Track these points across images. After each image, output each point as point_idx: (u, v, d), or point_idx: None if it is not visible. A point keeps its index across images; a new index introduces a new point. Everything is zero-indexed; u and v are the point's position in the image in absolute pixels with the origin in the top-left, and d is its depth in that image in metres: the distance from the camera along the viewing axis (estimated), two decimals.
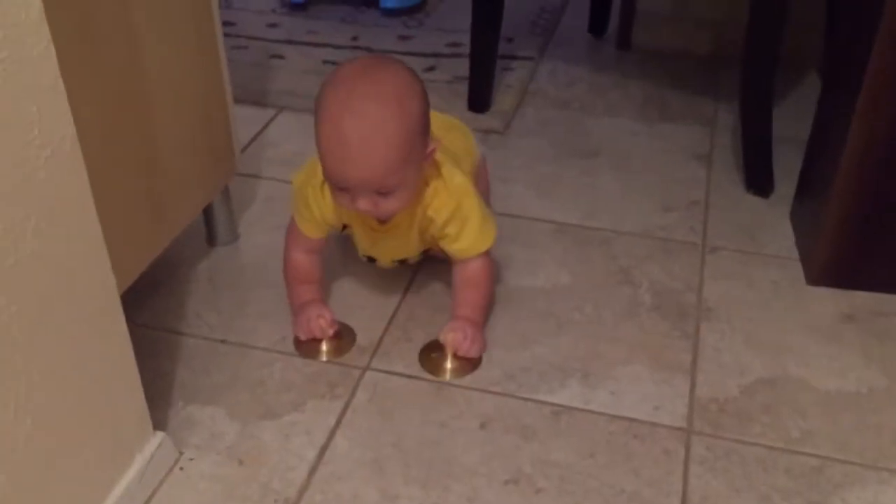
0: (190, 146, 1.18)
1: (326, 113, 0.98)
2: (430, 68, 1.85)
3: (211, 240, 1.34)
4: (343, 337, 1.16)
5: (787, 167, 1.45)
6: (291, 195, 1.13)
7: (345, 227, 1.17)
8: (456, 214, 1.09)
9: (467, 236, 1.10)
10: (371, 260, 1.22)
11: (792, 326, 1.19)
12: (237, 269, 1.31)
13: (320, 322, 1.13)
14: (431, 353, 1.14)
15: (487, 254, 1.14)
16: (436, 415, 1.05)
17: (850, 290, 1.24)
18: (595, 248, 1.35)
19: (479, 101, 1.70)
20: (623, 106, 1.75)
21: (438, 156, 1.08)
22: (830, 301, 1.24)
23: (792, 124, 1.53)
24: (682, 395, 1.09)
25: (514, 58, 1.88)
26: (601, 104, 1.75)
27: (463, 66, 1.75)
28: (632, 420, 1.05)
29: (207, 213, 1.32)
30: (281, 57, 1.89)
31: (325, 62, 1.87)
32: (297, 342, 1.15)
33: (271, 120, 1.68)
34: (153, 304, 1.22)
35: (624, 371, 1.12)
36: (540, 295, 1.25)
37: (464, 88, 1.72)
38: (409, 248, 1.17)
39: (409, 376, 1.11)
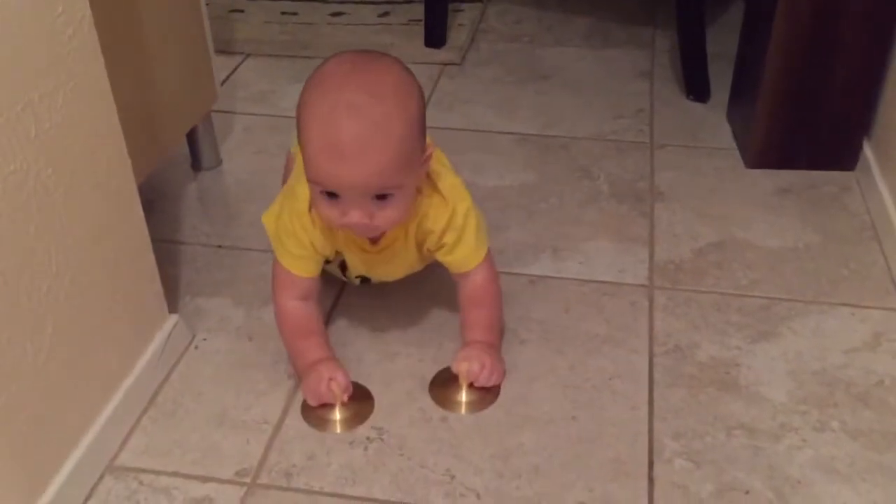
0: (177, 69, 1.26)
1: (315, 110, 0.86)
2: (385, 13, 1.96)
3: (196, 165, 1.42)
4: (359, 399, 1.00)
5: (721, 80, 1.58)
6: (270, 236, 1.01)
7: (341, 269, 1.06)
8: (453, 221, 0.98)
9: (466, 244, 1.00)
10: (363, 280, 1.09)
11: (735, 201, 1.33)
12: (224, 188, 1.40)
13: (332, 386, 0.97)
14: (444, 386, 1.02)
15: (489, 262, 1.03)
16: (424, 289, 1.16)
17: (784, 170, 1.39)
18: (555, 152, 1.47)
19: (434, 38, 1.80)
20: (569, 37, 1.87)
21: (431, 162, 0.97)
22: (768, 179, 1.38)
23: (724, 42, 1.67)
24: (642, 260, 1.21)
25: (463, 0, 2.00)
26: (549, 37, 1.87)
27: (417, 10, 1.86)
28: (600, 282, 1.17)
29: (192, 139, 1.40)
30: (241, 11, 1.98)
31: (283, 13, 1.96)
32: (306, 408, 0.99)
33: (239, 65, 1.76)
34: (149, 219, 1.27)
35: (589, 245, 1.24)
36: (509, 192, 1.36)
37: (419, 29, 1.82)
38: (410, 266, 1.05)
39: None
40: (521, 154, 1.46)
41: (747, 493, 0.88)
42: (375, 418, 0.98)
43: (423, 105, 0.91)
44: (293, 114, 0.91)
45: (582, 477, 0.90)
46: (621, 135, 1.51)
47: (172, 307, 1.09)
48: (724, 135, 1.50)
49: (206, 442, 0.96)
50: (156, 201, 1.34)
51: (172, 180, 1.40)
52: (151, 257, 1.01)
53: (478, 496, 0.88)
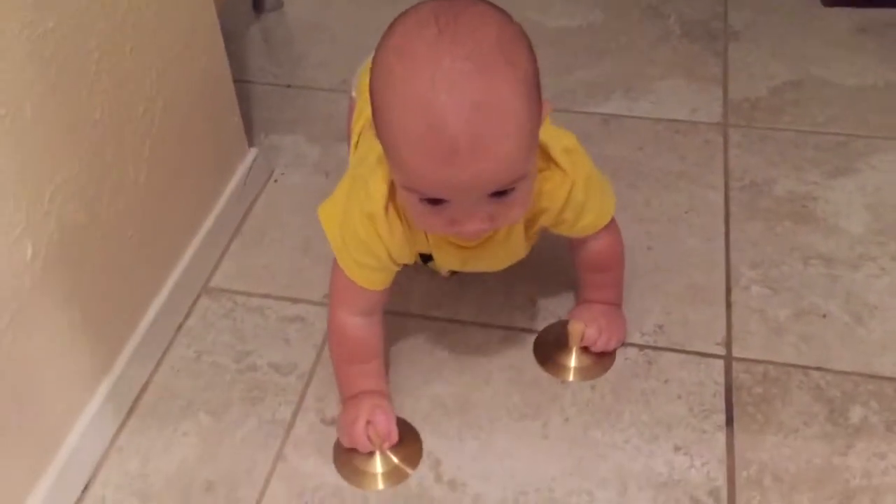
0: None
1: (402, 92, 0.62)
2: None
3: (258, 6, 1.40)
4: (405, 443, 0.81)
5: None
6: (330, 239, 0.78)
7: (423, 257, 0.82)
8: (572, 196, 0.76)
9: (589, 212, 0.79)
10: (426, 260, 0.83)
11: (812, 40, 1.29)
12: (287, 29, 1.38)
13: (368, 432, 0.78)
14: (552, 347, 0.89)
15: (614, 224, 0.85)
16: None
17: (863, 8, 1.34)
18: None
19: None
20: None
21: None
22: (846, 18, 1.33)
23: None
24: (717, 98, 1.20)
25: None
26: None
27: None
28: (673, 121, 1.16)
29: None
30: None
31: None
32: (339, 449, 0.81)
33: None
34: None
35: (662, 84, 1.23)
36: (577, 32, 1.34)
37: None
38: (515, 255, 0.82)
39: None
40: None
41: (824, 316, 0.90)
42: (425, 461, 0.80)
43: (533, 53, 0.66)
44: None
45: (660, 302, 0.93)
46: None
47: (250, 142, 1.11)
48: None
49: (293, 268, 0.99)
50: None
51: (236, 22, 1.39)
52: (231, 87, 1.02)
53: (558, 317, 0.92)
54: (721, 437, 0.80)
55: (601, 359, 0.88)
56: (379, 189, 0.72)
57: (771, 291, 0.93)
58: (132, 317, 0.86)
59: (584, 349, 0.87)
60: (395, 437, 0.79)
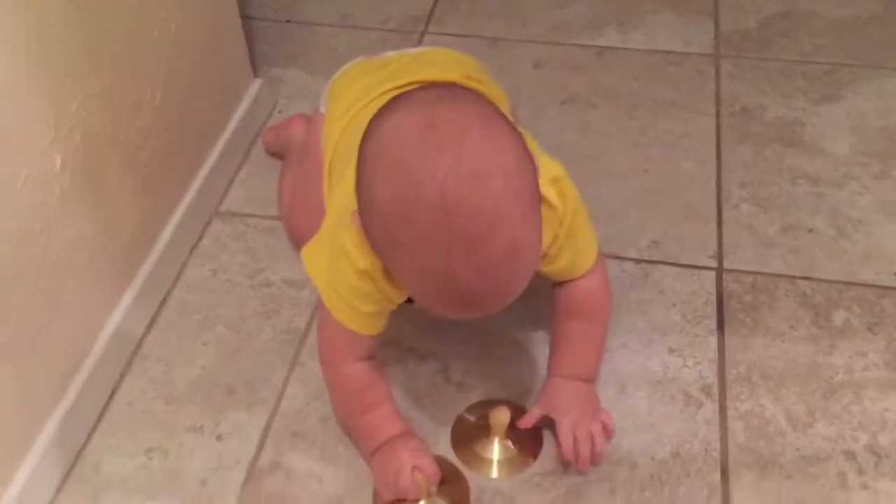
0: None
1: (414, 246, 0.58)
2: None
3: None
4: (450, 485, 0.76)
5: None
6: (319, 289, 0.73)
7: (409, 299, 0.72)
8: (563, 227, 0.70)
9: (574, 245, 0.73)
10: (410, 301, 0.72)
11: None
12: None
13: (417, 478, 0.72)
14: (470, 432, 0.79)
15: (602, 263, 0.77)
16: (490, 61, 1.18)
17: None
18: None
19: None
20: None
21: None
22: None
23: None
24: (707, 31, 1.23)
25: None
26: None
27: None
28: (666, 52, 1.20)
29: None
30: None
31: None
32: (380, 502, 0.75)
33: None
34: None
35: (654, 18, 1.26)
36: None
37: None
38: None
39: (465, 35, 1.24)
40: None
41: (810, 231, 0.95)
42: None
43: (532, 158, 0.61)
44: None
45: (655, 221, 0.97)
46: None
47: (254, 73, 1.13)
48: None
49: None
50: None
51: None
52: (237, 18, 1.04)
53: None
54: (713, 340, 0.85)
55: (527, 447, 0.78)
56: (357, 254, 0.66)
57: (760, 209, 0.98)
58: (150, 235, 0.89)
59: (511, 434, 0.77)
60: (440, 475, 0.73)
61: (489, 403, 0.79)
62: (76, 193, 0.75)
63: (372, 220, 0.60)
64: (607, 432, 0.74)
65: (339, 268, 0.69)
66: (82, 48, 0.74)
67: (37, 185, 0.70)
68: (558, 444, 0.74)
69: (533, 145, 0.64)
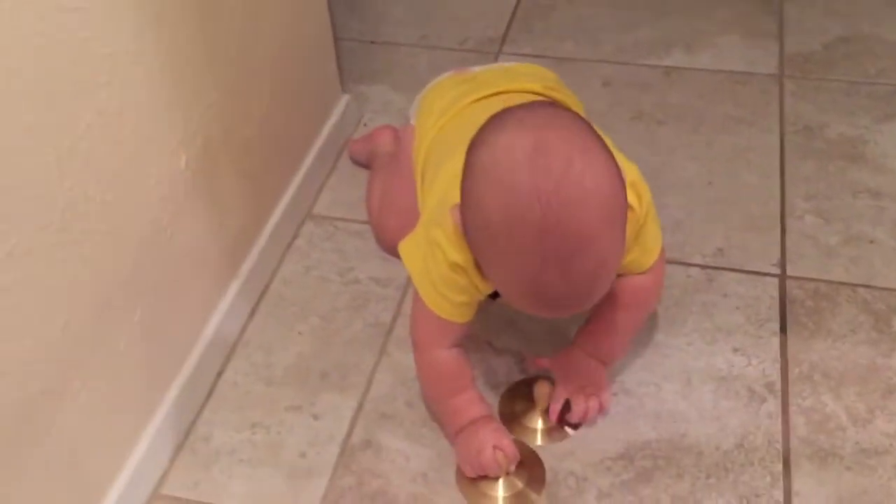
0: None
1: (513, 255, 0.65)
2: None
3: None
4: (527, 467, 0.82)
5: None
6: (413, 277, 0.79)
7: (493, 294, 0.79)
8: (644, 230, 0.77)
9: (640, 244, 0.78)
10: (494, 296, 0.79)
11: None
12: None
13: (497, 456, 0.79)
14: (516, 404, 0.87)
15: (661, 261, 0.82)
16: (562, 79, 1.25)
17: None
18: None
19: None
20: None
21: None
22: None
23: None
24: (772, 53, 1.28)
25: None
26: None
27: None
28: (732, 72, 1.25)
29: None
30: None
31: None
32: (462, 479, 0.82)
33: None
34: None
35: (721, 40, 1.31)
36: None
37: None
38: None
39: (537, 56, 1.30)
40: None
41: (871, 242, 0.99)
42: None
43: (623, 177, 0.67)
44: None
45: (720, 230, 1.02)
46: None
47: (342, 89, 1.22)
48: None
49: None
50: None
51: None
52: (331, 38, 1.13)
53: None
54: (775, 341, 0.90)
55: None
56: (452, 250, 0.73)
57: (823, 221, 1.02)
58: (253, 233, 0.98)
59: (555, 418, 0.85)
60: (518, 457, 0.81)
61: (532, 379, 0.87)
62: (196, 191, 0.84)
63: (475, 223, 0.68)
64: (601, 410, 0.84)
65: (433, 259, 0.76)
66: (204, 65, 0.83)
67: (166, 181, 0.79)
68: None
69: (612, 149, 0.71)
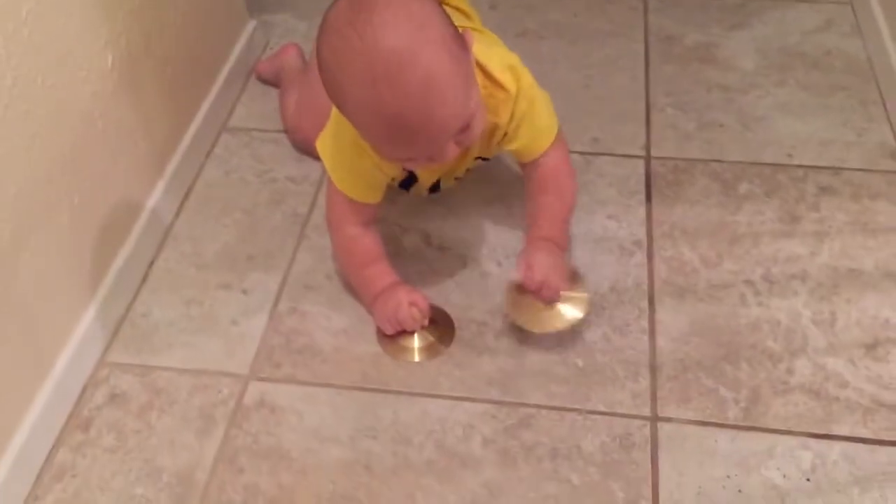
0: None
1: (350, 86, 0.72)
2: None
3: None
4: (439, 325, 0.93)
5: None
6: (325, 163, 0.89)
7: (402, 183, 0.94)
8: (516, 109, 0.86)
9: (531, 126, 0.88)
10: (433, 190, 0.95)
11: None
12: None
13: (412, 312, 0.89)
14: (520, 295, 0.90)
15: (561, 143, 0.91)
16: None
17: None
18: None
19: None
20: None
21: (474, 46, 0.79)
22: None
23: None
24: None
25: None
26: None
27: None
28: None
29: None
30: None
31: None
32: (382, 337, 0.92)
33: None
34: None
35: None
36: None
37: None
38: (469, 160, 0.93)
39: None
40: None
41: (721, 126, 1.15)
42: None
43: (439, 6, 0.75)
44: None
45: (595, 123, 1.16)
46: None
47: (249, 16, 1.30)
48: None
49: None
50: None
51: None
52: None
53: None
54: (642, 209, 1.04)
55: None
56: (353, 134, 0.80)
57: (681, 112, 1.17)
58: (175, 138, 1.06)
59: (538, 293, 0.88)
60: (431, 312, 0.91)
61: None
62: (123, 89, 0.92)
63: (324, 79, 0.76)
64: (561, 280, 0.88)
65: (339, 146, 0.87)
66: None
67: (96, 77, 0.87)
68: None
69: (492, 38, 0.83)
